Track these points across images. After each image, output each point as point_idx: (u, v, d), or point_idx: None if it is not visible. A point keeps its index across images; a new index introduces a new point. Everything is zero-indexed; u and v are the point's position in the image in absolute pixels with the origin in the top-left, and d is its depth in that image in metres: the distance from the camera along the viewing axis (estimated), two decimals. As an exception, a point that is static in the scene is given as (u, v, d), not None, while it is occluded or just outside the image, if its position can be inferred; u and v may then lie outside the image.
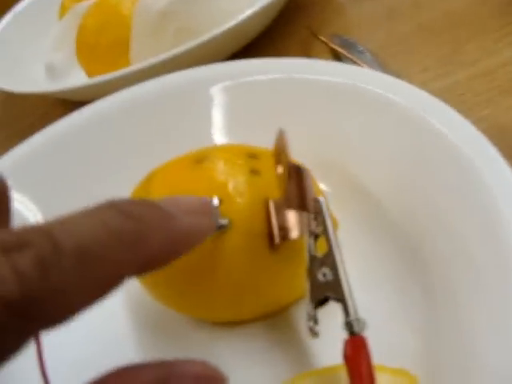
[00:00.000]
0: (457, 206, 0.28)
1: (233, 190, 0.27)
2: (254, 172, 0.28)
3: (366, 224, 0.33)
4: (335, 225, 0.31)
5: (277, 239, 0.26)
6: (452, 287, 0.27)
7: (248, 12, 0.48)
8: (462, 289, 0.26)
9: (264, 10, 0.49)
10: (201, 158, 0.29)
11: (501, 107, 0.42)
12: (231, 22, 0.47)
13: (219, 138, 0.37)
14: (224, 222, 0.26)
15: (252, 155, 0.29)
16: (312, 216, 0.26)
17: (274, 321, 0.30)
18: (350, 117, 0.35)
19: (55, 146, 0.40)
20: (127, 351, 0.31)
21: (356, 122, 0.35)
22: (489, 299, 0.24)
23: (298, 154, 0.31)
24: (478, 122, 0.41)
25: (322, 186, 0.32)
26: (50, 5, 0.68)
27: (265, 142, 0.31)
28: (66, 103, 0.56)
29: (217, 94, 0.38)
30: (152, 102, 0.39)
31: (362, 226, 0.32)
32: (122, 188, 0.29)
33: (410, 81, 0.46)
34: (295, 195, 0.26)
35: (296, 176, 0.26)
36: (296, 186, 0.26)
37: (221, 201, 0.24)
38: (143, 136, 0.38)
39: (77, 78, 0.58)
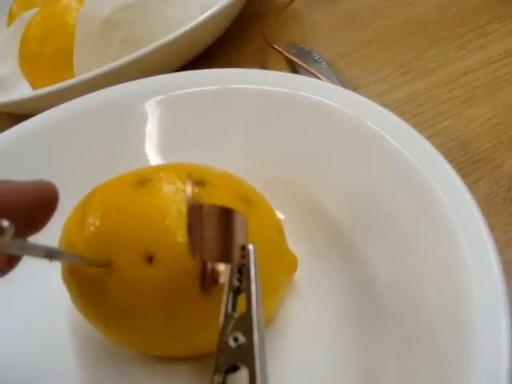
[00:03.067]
0: (414, 234, 0.27)
1: (170, 224, 0.24)
2: (187, 203, 0.25)
3: (328, 259, 0.30)
4: (293, 264, 0.29)
5: (208, 282, 0.23)
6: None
7: (198, 20, 0.45)
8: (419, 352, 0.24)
9: (215, 18, 0.47)
10: (144, 180, 0.26)
11: (461, 118, 0.40)
12: (179, 31, 0.44)
13: (156, 152, 0.35)
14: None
15: (199, 181, 0.26)
16: (235, 267, 0.22)
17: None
18: (296, 132, 0.33)
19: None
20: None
21: (304, 137, 0.32)
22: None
23: (246, 175, 0.29)
24: (438, 133, 0.40)
25: (280, 215, 0.30)
26: (-1, 11, 0.65)
27: (203, 155, 0.29)
28: (13, 116, 0.54)
29: (151, 109, 0.36)
30: (82, 121, 0.37)
31: (324, 262, 0.30)
32: (63, 203, 0.26)
33: (369, 90, 0.45)
34: (215, 242, 0.22)
35: (221, 220, 0.22)
36: (218, 232, 0.22)
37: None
38: (77, 155, 0.36)
39: (23, 90, 0.55)
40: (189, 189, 0.21)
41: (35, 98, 0.47)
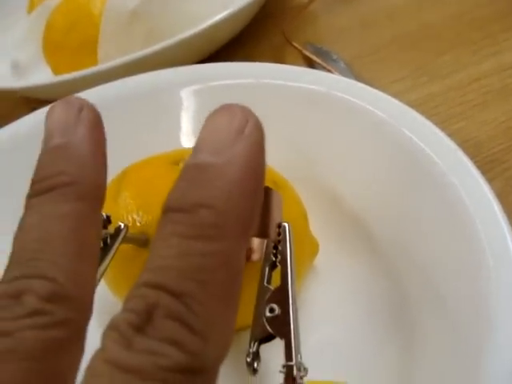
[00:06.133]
0: (435, 229, 0.28)
1: None
2: None
3: (348, 247, 0.31)
4: (315, 248, 0.30)
5: None
6: (428, 332, 0.26)
7: (220, 15, 0.47)
8: (437, 334, 0.25)
9: (236, 15, 0.48)
10: (177, 160, 0.28)
11: (474, 121, 0.41)
12: (202, 26, 0.46)
13: (187, 141, 0.36)
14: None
15: None
16: (271, 243, 0.24)
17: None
18: (323, 126, 0.34)
19: (18, 144, 0.38)
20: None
21: (330, 131, 0.34)
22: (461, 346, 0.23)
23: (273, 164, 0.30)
24: (451, 135, 0.40)
25: (305, 203, 0.31)
26: (19, -1, 0.66)
27: None
28: (32, 101, 0.55)
29: (186, 97, 0.37)
30: (118, 103, 0.38)
31: (343, 249, 0.31)
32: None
33: (384, 91, 0.46)
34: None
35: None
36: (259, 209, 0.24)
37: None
38: (109, 137, 0.37)
39: (42, 76, 0.56)
40: None
41: (57, 84, 0.48)
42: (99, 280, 0.24)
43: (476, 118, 0.42)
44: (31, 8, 0.62)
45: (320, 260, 0.31)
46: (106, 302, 0.29)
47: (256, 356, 0.22)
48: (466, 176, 0.28)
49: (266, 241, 0.24)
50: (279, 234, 0.23)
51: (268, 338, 0.22)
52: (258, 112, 0.35)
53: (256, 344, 0.22)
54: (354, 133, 0.33)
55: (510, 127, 0.40)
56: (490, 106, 0.42)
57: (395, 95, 0.45)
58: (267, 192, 0.23)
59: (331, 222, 0.32)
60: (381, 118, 0.32)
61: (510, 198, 0.35)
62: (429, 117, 0.43)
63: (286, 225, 0.23)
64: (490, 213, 0.26)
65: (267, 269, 0.23)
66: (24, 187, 0.36)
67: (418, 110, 0.43)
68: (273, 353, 0.22)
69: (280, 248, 0.23)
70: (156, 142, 0.33)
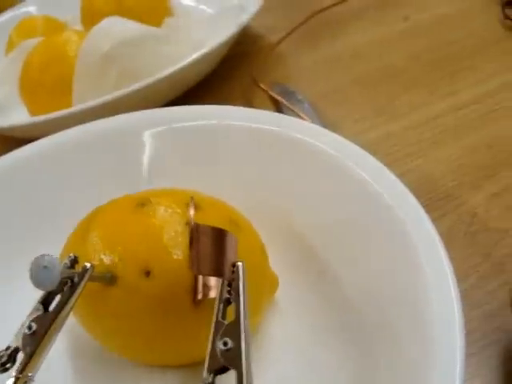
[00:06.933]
0: (383, 261, 0.30)
1: (167, 242, 0.27)
2: (189, 224, 0.28)
3: (308, 280, 0.33)
4: (274, 283, 0.32)
5: (199, 295, 0.26)
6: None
7: (190, 58, 0.49)
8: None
9: (207, 57, 0.50)
10: (143, 202, 0.29)
11: (430, 159, 0.44)
12: (173, 68, 0.48)
13: (151, 182, 0.38)
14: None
15: (193, 205, 0.29)
16: (226, 281, 0.25)
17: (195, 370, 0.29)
18: (282, 166, 0.36)
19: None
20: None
21: (290, 170, 0.36)
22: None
23: (233, 202, 0.32)
24: (408, 172, 0.43)
25: (263, 238, 0.33)
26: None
27: (195, 183, 0.32)
28: (8, 139, 0.56)
29: (149, 139, 0.39)
30: (82, 148, 0.40)
31: (303, 283, 0.33)
32: (58, 228, 0.31)
33: (346, 130, 0.49)
34: (209, 258, 0.26)
35: (215, 239, 0.26)
36: (212, 249, 0.26)
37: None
38: (76, 180, 0.39)
39: (19, 115, 0.58)
40: (191, 210, 0.24)
41: (31, 125, 0.50)
42: (67, 316, 0.25)
43: (431, 156, 0.44)
44: (9, 49, 0.64)
45: (280, 294, 0.32)
46: (78, 336, 0.31)
47: None
48: (413, 215, 0.29)
49: (221, 279, 0.25)
50: (233, 273, 0.25)
51: (222, 369, 0.23)
52: (220, 152, 0.38)
53: (212, 375, 0.23)
54: (311, 172, 0.35)
55: (462, 164, 0.42)
56: (445, 144, 0.45)
57: (356, 134, 0.48)
58: (222, 234, 0.25)
59: (291, 256, 0.34)
60: (337, 159, 0.34)
61: (460, 233, 0.38)
62: (387, 155, 0.45)
63: (240, 264, 0.25)
64: (435, 252, 0.27)
65: (222, 305, 0.25)
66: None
67: (377, 149, 0.45)
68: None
69: (234, 285, 0.25)
70: (121, 184, 0.35)
